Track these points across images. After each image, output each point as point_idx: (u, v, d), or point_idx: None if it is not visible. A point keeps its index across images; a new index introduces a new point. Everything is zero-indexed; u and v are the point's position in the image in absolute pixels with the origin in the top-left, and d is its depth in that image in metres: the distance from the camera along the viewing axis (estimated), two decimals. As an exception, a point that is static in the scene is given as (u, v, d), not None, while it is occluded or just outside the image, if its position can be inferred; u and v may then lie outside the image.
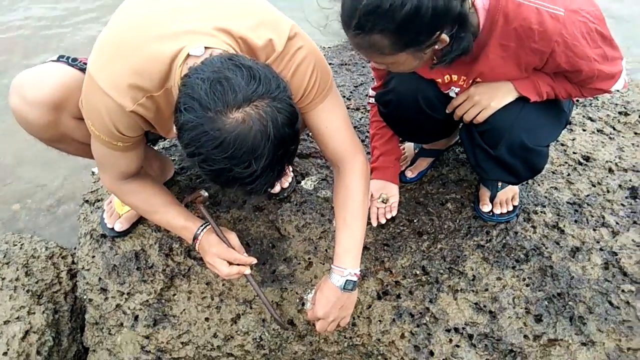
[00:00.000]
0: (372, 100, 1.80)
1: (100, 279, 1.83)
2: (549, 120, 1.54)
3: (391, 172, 1.85)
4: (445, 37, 1.20)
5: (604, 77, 1.37)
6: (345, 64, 2.63)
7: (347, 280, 1.41)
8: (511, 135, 1.48)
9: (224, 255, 1.50)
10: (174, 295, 1.78)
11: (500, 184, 1.82)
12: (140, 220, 1.92)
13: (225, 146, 0.97)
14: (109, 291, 1.80)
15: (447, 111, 1.61)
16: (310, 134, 1.49)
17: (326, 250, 1.80)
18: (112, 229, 1.87)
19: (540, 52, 1.29)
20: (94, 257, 1.89)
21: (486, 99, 1.48)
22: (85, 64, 1.39)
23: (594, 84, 1.39)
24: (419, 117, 1.64)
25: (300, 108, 1.11)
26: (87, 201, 2.11)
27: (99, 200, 2.08)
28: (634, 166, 2.02)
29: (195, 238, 1.53)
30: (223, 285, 1.78)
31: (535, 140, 1.50)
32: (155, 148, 2.15)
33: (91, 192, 2.15)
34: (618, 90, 1.44)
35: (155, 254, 1.85)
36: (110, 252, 1.87)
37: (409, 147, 2.08)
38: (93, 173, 2.31)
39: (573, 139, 2.14)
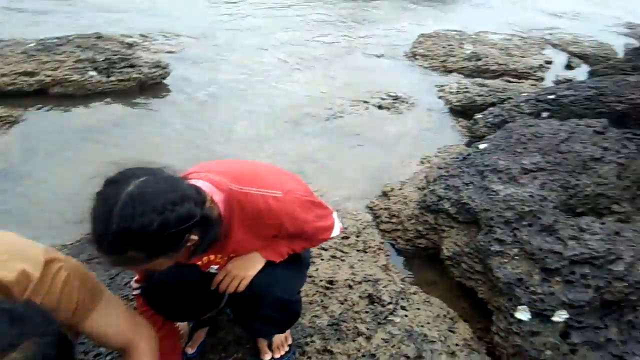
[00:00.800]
0: (137, 292, 1.84)
1: None
2: (296, 271, 1.85)
3: (174, 355, 1.86)
4: (194, 237, 1.38)
5: (323, 231, 1.79)
6: (94, 259, 2.59)
7: None
8: (270, 295, 1.72)
9: None
10: None
11: (272, 330, 2.02)
12: None
13: None
14: None
15: (211, 288, 1.77)
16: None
17: None
18: None
19: (273, 225, 1.61)
20: None
21: (242, 271, 1.70)
22: None
23: (317, 237, 1.80)
24: (187, 299, 1.76)
25: (74, 322, 1.07)
26: None
27: None
28: (364, 277, 2.51)
29: None
30: None
31: (289, 293, 1.78)
32: None
33: None
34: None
35: None
36: None
37: (182, 323, 2.13)
38: None
39: (316, 269, 2.54)
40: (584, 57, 6.83)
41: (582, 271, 2.14)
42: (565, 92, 4.02)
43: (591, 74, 5.94)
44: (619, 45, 7.43)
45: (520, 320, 2.12)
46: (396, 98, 5.04)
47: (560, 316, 2.04)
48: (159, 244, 1.27)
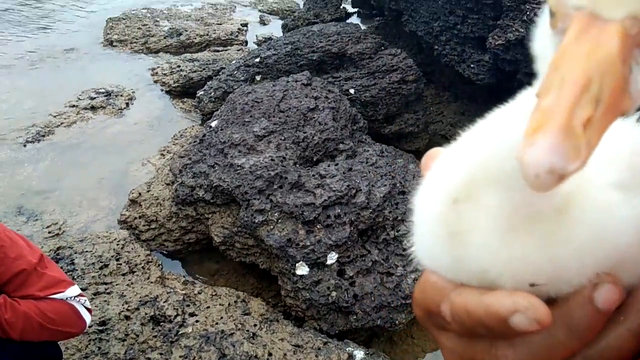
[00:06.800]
0: None
1: None
2: None
3: None
4: None
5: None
6: None
7: None
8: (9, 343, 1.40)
9: None
10: None
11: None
12: None
13: None
14: None
15: None
16: None
17: None
18: None
19: None
20: None
21: None
22: None
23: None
24: None
25: None
26: None
27: None
28: (140, 300, 2.28)
29: None
30: None
31: None
32: None
33: None
34: None
35: None
36: None
37: None
38: None
39: (82, 316, 2.18)
40: (273, 13, 7.41)
41: (335, 212, 2.38)
42: (267, 53, 4.27)
43: (284, 27, 6.49)
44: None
45: (302, 276, 2.26)
46: (108, 94, 4.58)
47: (332, 258, 2.25)
48: None
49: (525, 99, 0.31)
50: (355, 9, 7.33)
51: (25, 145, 3.78)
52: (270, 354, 2.01)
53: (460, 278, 0.33)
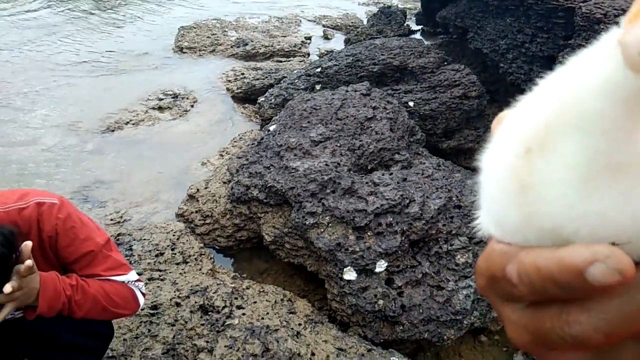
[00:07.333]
0: None
1: None
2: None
3: None
4: None
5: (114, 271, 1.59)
6: None
7: None
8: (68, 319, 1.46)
9: None
10: None
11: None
12: None
13: None
14: None
15: None
16: None
17: None
18: None
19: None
20: None
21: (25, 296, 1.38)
22: None
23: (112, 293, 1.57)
24: None
25: None
26: None
27: None
28: (191, 289, 2.34)
29: None
30: None
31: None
32: None
33: None
34: None
35: None
36: None
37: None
38: None
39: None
40: (336, 28, 7.53)
41: (387, 221, 2.36)
42: (329, 64, 4.34)
43: (346, 42, 6.57)
44: (361, 12, 8.40)
45: (349, 281, 2.25)
46: (175, 96, 4.80)
47: (381, 266, 2.23)
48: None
49: (608, 39, 0.30)
50: (419, 27, 7.31)
51: (96, 139, 4.02)
52: (313, 354, 2.00)
53: (530, 239, 0.31)
